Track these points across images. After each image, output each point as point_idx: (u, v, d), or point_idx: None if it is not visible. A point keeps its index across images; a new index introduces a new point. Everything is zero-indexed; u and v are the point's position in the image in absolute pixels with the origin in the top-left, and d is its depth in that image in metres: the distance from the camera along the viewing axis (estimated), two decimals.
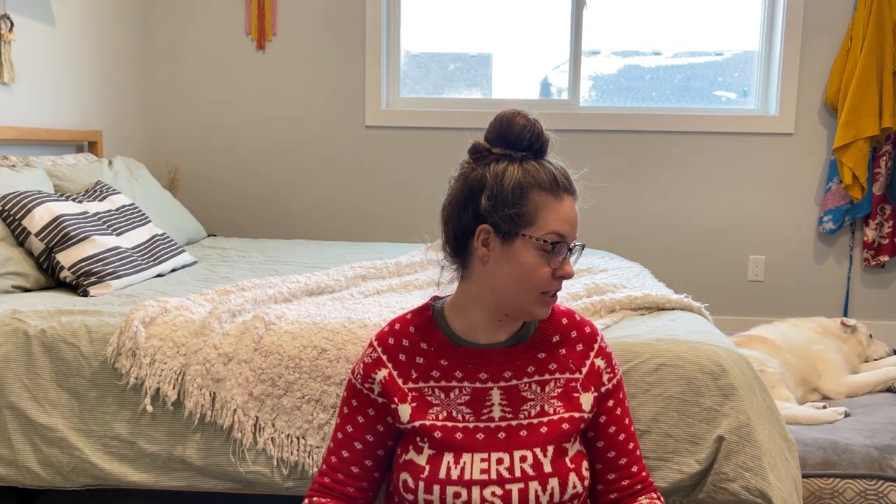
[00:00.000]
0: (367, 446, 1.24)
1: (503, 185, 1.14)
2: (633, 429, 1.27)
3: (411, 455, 1.21)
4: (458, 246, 1.20)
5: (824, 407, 2.28)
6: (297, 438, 1.70)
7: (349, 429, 1.25)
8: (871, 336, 2.75)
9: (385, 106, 3.82)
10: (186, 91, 3.85)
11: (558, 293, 1.23)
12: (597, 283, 2.13)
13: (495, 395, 1.21)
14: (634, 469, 1.26)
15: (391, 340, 1.24)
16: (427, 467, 1.18)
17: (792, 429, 2.01)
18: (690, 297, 2.06)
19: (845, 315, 3.75)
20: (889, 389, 2.48)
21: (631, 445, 1.26)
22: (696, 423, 1.61)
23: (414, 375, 1.22)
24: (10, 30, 2.69)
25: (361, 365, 1.24)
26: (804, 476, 1.84)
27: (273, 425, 1.70)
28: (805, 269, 3.77)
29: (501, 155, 1.17)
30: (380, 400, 1.23)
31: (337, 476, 1.24)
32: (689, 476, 1.60)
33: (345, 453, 1.24)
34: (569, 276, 1.17)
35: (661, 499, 1.26)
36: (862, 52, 3.45)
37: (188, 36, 3.81)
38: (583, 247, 1.22)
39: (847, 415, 2.24)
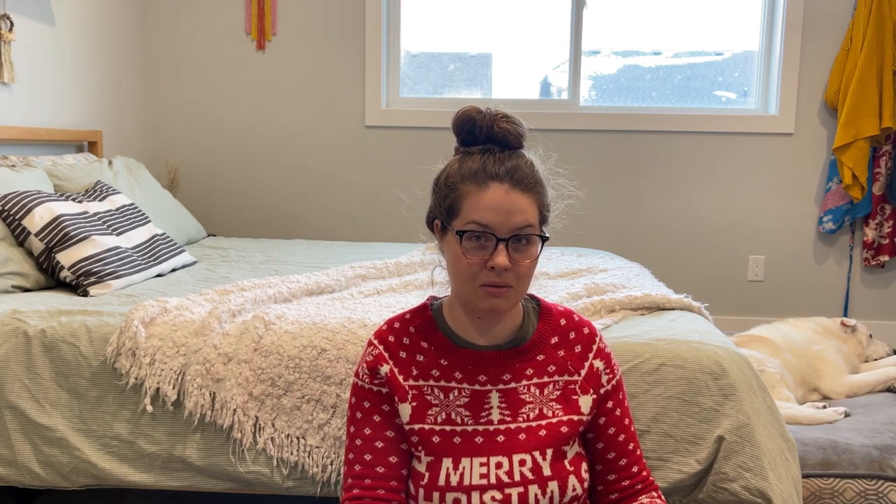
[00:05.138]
0: (389, 442, 1.20)
1: (440, 181, 1.19)
2: (633, 429, 1.27)
3: (412, 462, 1.21)
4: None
5: (824, 407, 2.28)
6: (297, 438, 1.70)
7: (367, 431, 1.20)
8: (871, 336, 2.75)
9: (385, 106, 3.82)
10: (186, 91, 3.85)
11: (521, 289, 1.15)
12: (597, 283, 2.13)
13: (494, 398, 1.20)
14: (635, 469, 1.25)
15: (391, 338, 1.24)
16: (427, 474, 1.18)
17: (792, 429, 2.01)
18: (690, 297, 2.06)
19: (845, 315, 3.75)
20: (889, 389, 2.48)
21: (631, 446, 1.26)
22: (696, 423, 1.61)
23: (414, 373, 1.21)
24: (10, 30, 2.69)
25: (364, 364, 1.23)
26: (804, 476, 1.84)
27: (273, 425, 1.70)
28: (805, 269, 3.77)
29: (462, 151, 1.19)
30: (388, 392, 1.22)
31: (365, 482, 1.19)
32: (689, 476, 1.60)
33: (367, 457, 1.19)
34: (497, 266, 1.10)
35: (662, 497, 1.26)
36: (862, 52, 3.45)
37: (188, 36, 3.81)
38: (544, 238, 1.15)
39: (847, 415, 2.24)
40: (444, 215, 1.18)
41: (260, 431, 1.70)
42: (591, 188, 3.76)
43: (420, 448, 1.19)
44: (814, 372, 2.50)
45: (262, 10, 3.74)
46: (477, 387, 1.20)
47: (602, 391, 1.24)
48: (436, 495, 1.16)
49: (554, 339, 1.24)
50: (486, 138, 1.17)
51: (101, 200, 2.51)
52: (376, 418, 1.21)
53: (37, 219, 2.18)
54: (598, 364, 1.25)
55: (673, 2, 3.78)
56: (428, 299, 1.28)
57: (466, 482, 1.16)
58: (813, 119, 3.67)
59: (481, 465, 1.17)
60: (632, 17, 3.80)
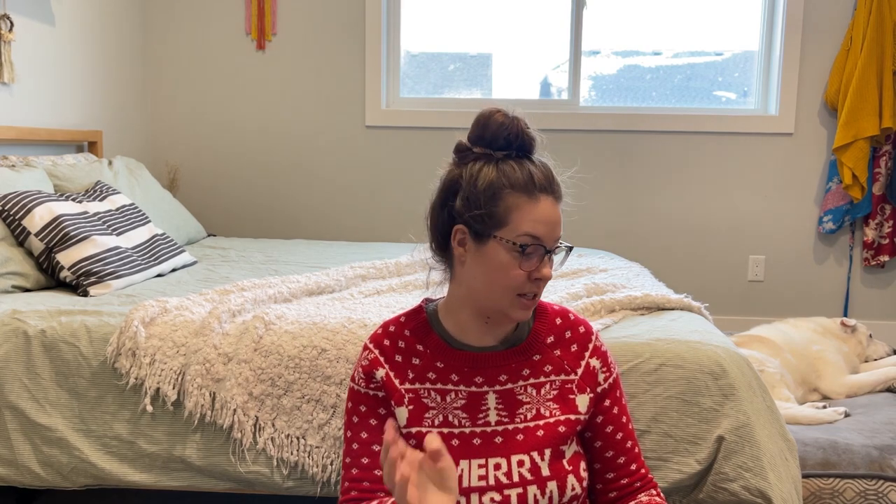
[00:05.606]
0: None
1: (476, 186, 1.14)
2: (630, 426, 1.27)
3: None
4: (441, 246, 1.21)
5: (824, 407, 2.28)
6: (297, 438, 1.70)
7: (364, 435, 1.20)
8: (871, 336, 2.75)
9: (385, 106, 3.82)
10: (186, 91, 3.85)
11: (541, 295, 1.19)
12: (597, 283, 2.13)
13: (491, 400, 1.20)
14: (633, 467, 1.25)
15: (386, 342, 1.23)
16: None
17: (792, 429, 2.01)
18: (690, 297, 2.06)
19: (845, 315, 3.75)
20: (889, 389, 2.48)
21: (629, 444, 1.25)
22: (695, 423, 1.61)
23: (410, 376, 1.21)
24: (10, 30, 2.69)
25: (360, 369, 1.22)
26: (804, 476, 1.84)
27: (273, 425, 1.70)
28: (805, 269, 3.77)
29: (481, 154, 1.16)
30: (384, 396, 1.22)
31: (363, 485, 1.18)
32: (689, 476, 1.60)
33: (365, 460, 1.19)
34: (546, 278, 1.14)
35: (662, 495, 1.26)
36: (862, 52, 3.45)
37: (188, 36, 3.81)
38: (570, 248, 1.20)
39: (847, 415, 2.24)
40: (481, 223, 1.14)
41: (260, 431, 1.71)
42: (590, 188, 3.76)
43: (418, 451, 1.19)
44: (814, 372, 2.50)
45: (262, 10, 3.74)
46: (474, 388, 1.20)
47: (599, 389, 1.24)
48: None
49: (550, 339, 1.24)
50: (519, 145, 1.16)
51: (101, 200, 2.51)
52: (373, 422, 1.21)
53: (37, 219, 2.18)
54: (595, 362, 1.24)
55: (673, 2, 3.78)
56: (423, 301, 1.28)
57: (465, 484, 1.16)
58: (813, 119, 3.67)
59: (480, 466, 1.17)
60: (632, 17, 3.80)
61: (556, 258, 1.19)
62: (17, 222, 2.18)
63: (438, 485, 0.98)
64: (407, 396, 1.20)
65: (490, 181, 1.13)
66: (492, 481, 1.16)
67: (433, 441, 0.96)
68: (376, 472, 1.19)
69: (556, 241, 1.15)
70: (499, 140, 1.15)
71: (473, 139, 1.18)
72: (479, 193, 1.13)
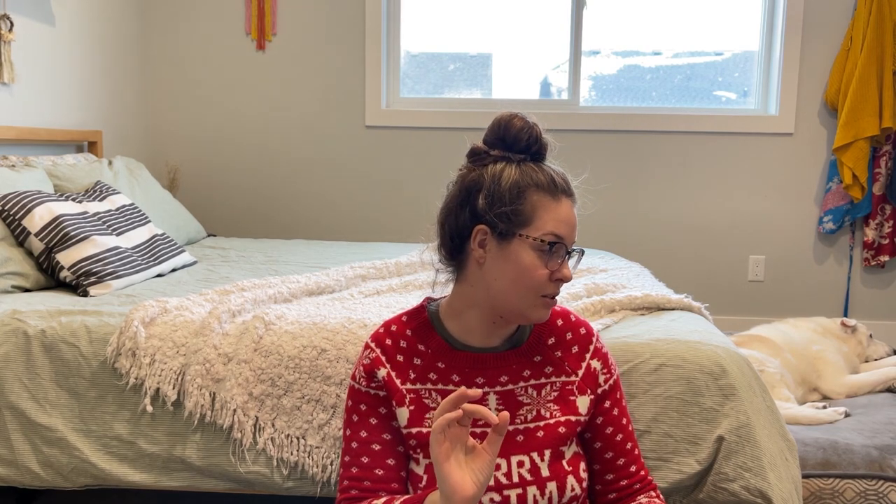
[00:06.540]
0: (386, 445, 1.20)
1: (500, 185, 1.14)
2: (630, 428, 1.27)
3: (410, 464, 1.21)
4: (455, 248, 1.19)
5: (824, 407, 2.28)
6: (297, 438, 1.70)
7: (363, 434, 1.20)
8: (871, 336, 2.75)
9: (385, 106, 3.82)
10: (186, 91, 3.85)
11: (557, 297, 1.20)
12: (597, 283, 2.13)
13: (492, 401, 1.20)
14: (633, 469, 1.25)
15: (388, 341, 1.23)
16: (425, 476, 1.18)
17: (792, 429, 2.01)
18: (690, 297, 2.06)
19: (845, 315, 3.75)
20: (889, 389, 2.48)
21: (629, 445, 1.25)
22: (696, 423, 1.60)
23: (412, 376, 1.21)
24: (10, 30, 2.69)
25: (361, 367, 1.22)
26: (804, 476, 1.84)
27: (273, 425, 1.70)
28: (805, 269, 3.77)
29: (499, 157, 1.17)
30: (385, 395, 1.22)
31: (364, 484, 1.18)
32: (689, 476, 1.60)
33: (364, 459, 1.19)
34: (567, 278, 1.15)
35: (661, 497, 1.26)
36: (862, 52, 3.45)
37: (188, 36, 3.81)
38: (582, 252, 1.20)
39: (847, 415, 2.24)
40: (506, 221, 1.14)
41: (260, 431, 1.70)
42: (590, 188, 3.75)
43: (418, 451, 1.19)
44: (814, 372, 2.50)
45: (262, 10, 3.74)
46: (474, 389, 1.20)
47: (599, 391, 1.24)
48: None
49: (551, 340, 1.24)
50: (536, 150, 1.18)
51: (101, 200, 2.51)
52: (373, 421, 1.21)
53: (37, 219, 2.18)
54: (596, 364, 1.24)
55: (673, 2, 3.78)
56: (424, 301, 1.28)
57: None
58: (813, 119, 3.67)
59: None
60: (632, 17, 3.80)
61: (570, 263, 1.20)
62: (17, 222, 2.18)
63: (472, 468, 0.99)
64: (408, 397, 1.20)
65: (514, 180, 1.14)
66: (491, 482, 1.16)
67: (503, 416, 0.98)
68: (377, 471, 1.19)
69: (572, 243, 1.17)
70: (519, 143, 1.16)
71: (491, 142, 1.18)
72: (503, 191, 1.14)
